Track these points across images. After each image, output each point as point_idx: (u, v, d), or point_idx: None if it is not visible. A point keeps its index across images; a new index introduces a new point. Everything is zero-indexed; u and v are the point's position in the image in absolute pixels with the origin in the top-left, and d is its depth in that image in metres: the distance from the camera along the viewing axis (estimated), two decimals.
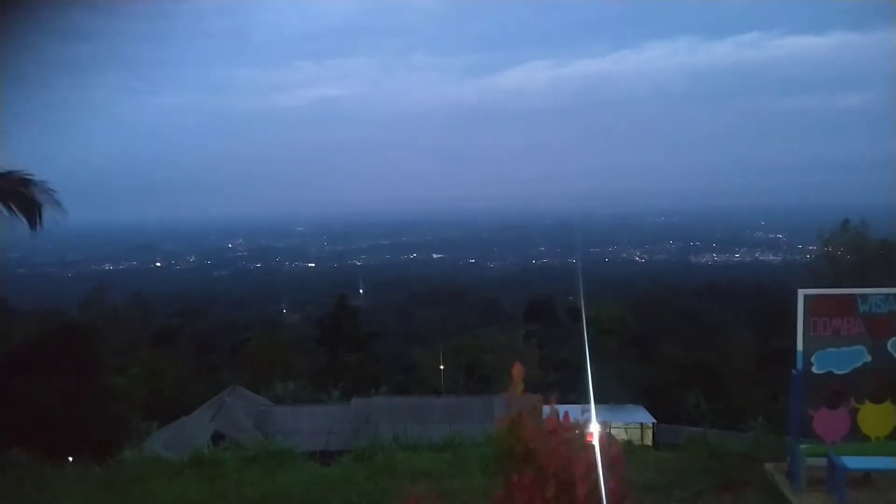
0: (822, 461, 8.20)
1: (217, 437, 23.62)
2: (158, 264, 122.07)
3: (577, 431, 3.44)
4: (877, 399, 8.40)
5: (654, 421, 28.69)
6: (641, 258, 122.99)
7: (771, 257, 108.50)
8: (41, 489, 9.13)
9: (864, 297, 8.48)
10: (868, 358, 8.42)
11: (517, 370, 3.58)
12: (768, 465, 8.99)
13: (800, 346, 8.47)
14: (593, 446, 3.45)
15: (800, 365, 8.48)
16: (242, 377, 36.29)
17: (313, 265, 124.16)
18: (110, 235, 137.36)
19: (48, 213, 11.43)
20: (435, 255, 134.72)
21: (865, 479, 8.08)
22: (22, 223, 11.31)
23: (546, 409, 3.66)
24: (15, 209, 11.25)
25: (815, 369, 8.45)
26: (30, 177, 11.41)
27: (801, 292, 8.51)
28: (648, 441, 27.36)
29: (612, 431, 23.80)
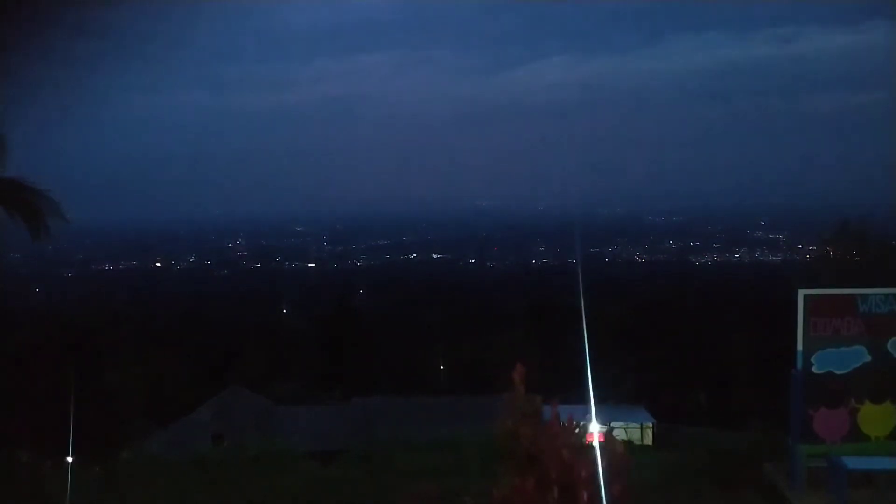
0: (822, 461, 8.20)
1: (217, 438, 23.62)
2: (158, 264, 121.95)
3: (577, 433, 3.44)
4: (877, 399, 8.40)
5: (654, 421, 28.68)
6: (641, 258, 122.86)
7: (771, 257, 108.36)
8: (41, 489, 9.13)
9: (864, 297, 8.49)
10: (868, 358, 8.43)
11: (518, 371, 3.58)
12: (768, 465, 8.99)
13: (800, 346, 8.47)
14: (594, 447, 3.45)
15: (800, 365, 8.48)
16: (242, 377, 36.26)
17: (313, 265, 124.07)
18: (110, 235, 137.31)
19: (51, 223, 11.42)
20: (435, 255, 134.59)
21: (865, 479, 8.08)
22: (24, 231, 11.32)
23: (547, 410, 3.66)
24: (16, 217, 11.25)
25: (815, 369, 8.45)
26: (30, 184, 11.41)
27: (801, 292, 8.51)
28: (648, 441, 27.35)
29: (612, 431, 23.82)
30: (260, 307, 68.86)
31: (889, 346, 8.45)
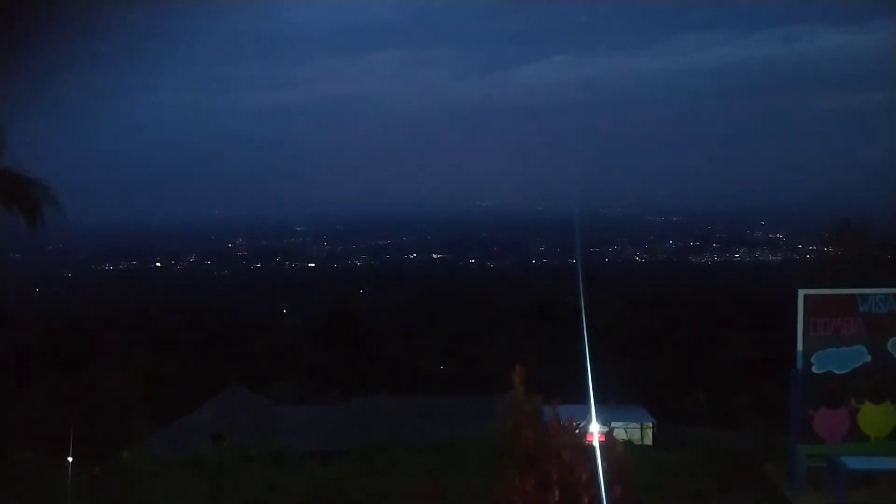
0: (823, 461, 8.20)
1: (217, 437, 23.60)
2: (158, 264, 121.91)
3: (577, 433, 3.44)
4: (877, 399, 8.41)
5: (654, 421, 28.70)
6: (641, 258, 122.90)
7: (771, 257, 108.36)
8: (41, 489, 9.13)
9: (864, 297, 8.50)
10: (868, 358, 8.44)
11: (518, 372, 3.58)
12: (768, 465, 8.99)
13: (800, 346, 8.48)
14: (594, 447, 3.45)
15: (800, 365, 8.49)
16: (242, 377, 36.29)
17: (313, 265, 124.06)
18: (110, 235, 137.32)
19: (48, 213, 11.38)
20: (435, 255, 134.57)
21: (865, 479, 8.08)
22: (20, 224, 11.28)
23: (547, 410, 3.65)
24: (13, 208, 11.20)
25: (815, 369, 8.46)
26: (27, 175, 11.36)
27: (801, 292, 8.52)
28: (648, 441, 27.37)
29: (613, 432, 23.82)
30: (260, 307, 68.93)
31: (889, 346, 8.46)
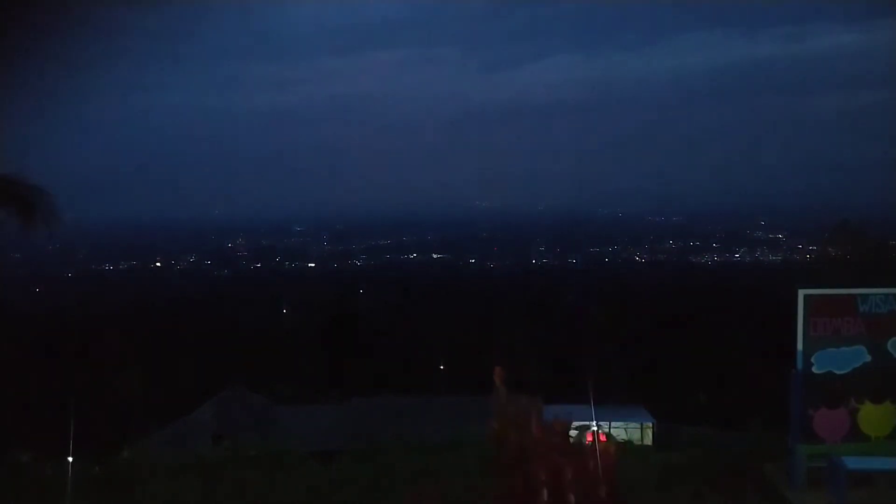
0: (823, 461, 8.20)
1: (217, 437, 23.60)
2: (158, 264, 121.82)
3: (568, 433, 3.44)
4: (877, 399, 8.41)
5: (654, 421, 28.69)
6: (641, 258, 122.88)
7: (771, 257, 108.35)
8: (41, 489, 9.14)
9: (864, 297, 8.49)
10: (868, 358, 8.44)
11: (499, 374, 3.58)
12: (768, 466, 8.99)
13: (800, 346, 8.48)
14: (583, 448, 3.44)
15: (800, 365, 8.49)
16: (242, 377, 36.30)
17: (313, 265, 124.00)
18: (110, 235, 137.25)
19: (44, 219, 11.36)
20: (435, 255, 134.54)
21: (865, 479, 8.08)
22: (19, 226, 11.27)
23: (547, 411, 3.65)
24: (10, 212, 11.20)
25: (815, 369, 8.45)
26: (24, 179, 11.35)
27: (801, 292, 8.51)
28: (648, 441, 27.34)
29: (611, 431, 23.83)
30: (260, 307, 68.90)
31: (889, 346, 8.46)
